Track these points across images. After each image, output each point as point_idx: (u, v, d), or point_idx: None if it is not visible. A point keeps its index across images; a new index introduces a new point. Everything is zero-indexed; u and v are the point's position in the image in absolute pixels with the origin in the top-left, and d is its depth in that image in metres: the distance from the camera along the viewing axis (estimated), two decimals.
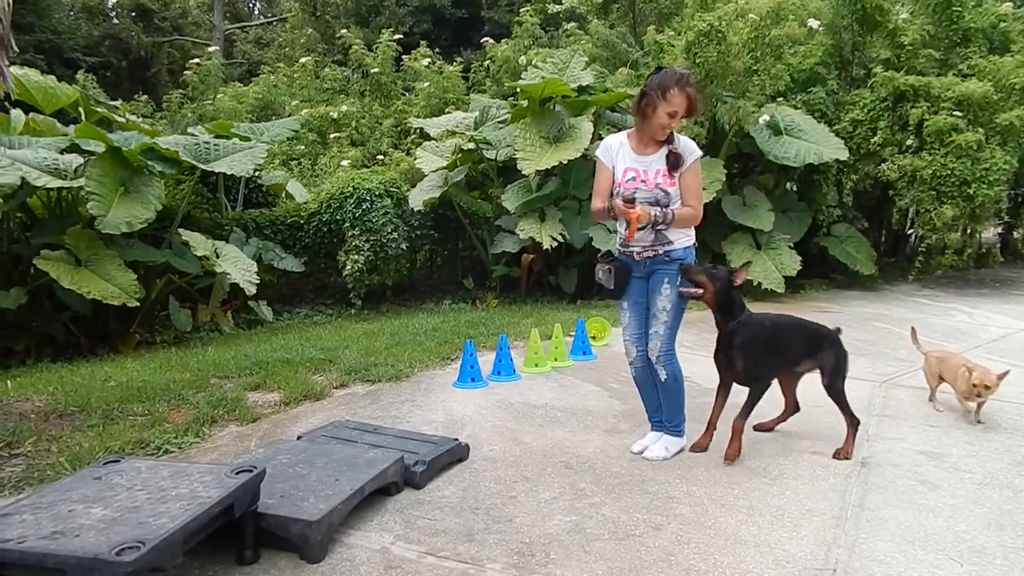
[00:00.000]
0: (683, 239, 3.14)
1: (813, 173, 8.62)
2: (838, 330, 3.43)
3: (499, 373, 4.53)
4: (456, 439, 3.23)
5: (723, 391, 3.30)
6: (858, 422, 3.35)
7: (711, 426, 3.30)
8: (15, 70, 7.13)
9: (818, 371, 3.33)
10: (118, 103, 9.43)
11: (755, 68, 8.30)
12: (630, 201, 3.00)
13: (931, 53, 8.79)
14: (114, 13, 24.73)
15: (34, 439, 3.24)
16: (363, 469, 2.66)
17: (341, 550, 2.37)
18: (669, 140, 3.09)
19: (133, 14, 24.22)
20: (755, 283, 7.63)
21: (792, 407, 3.58)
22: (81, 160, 6.39)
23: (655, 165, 3.09)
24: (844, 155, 8.14)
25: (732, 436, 3.17)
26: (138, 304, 6.01)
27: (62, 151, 6.39)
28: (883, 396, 4.32)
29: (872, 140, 8.42)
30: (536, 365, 4.75)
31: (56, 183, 5.98)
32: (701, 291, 3.09)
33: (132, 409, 3.74)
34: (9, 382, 4.41)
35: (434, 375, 4.65)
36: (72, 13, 23.26)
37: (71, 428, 3.46)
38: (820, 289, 8.71)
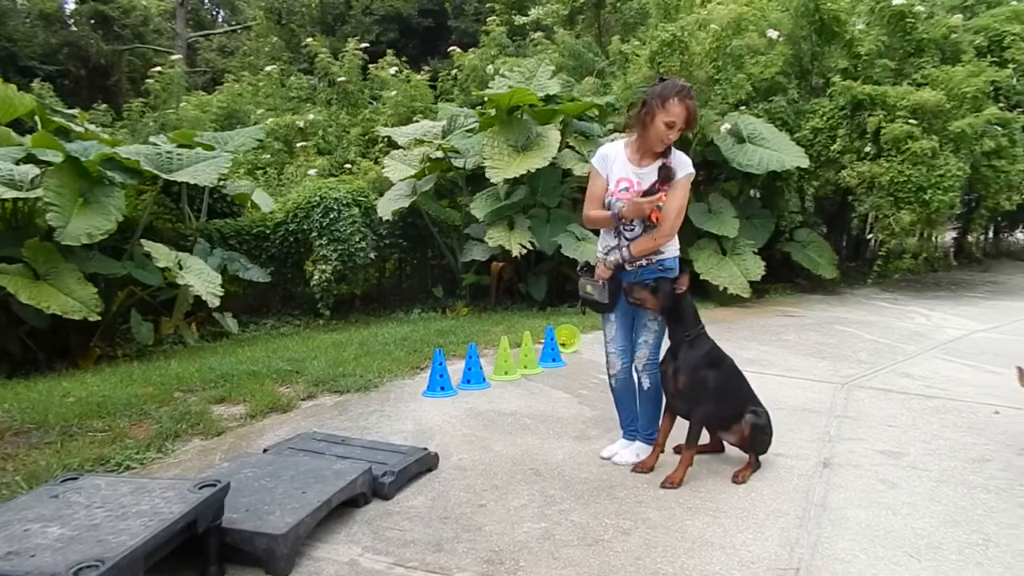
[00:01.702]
0: (672, 248, 3.15)
1: (776, 180, 8.82)
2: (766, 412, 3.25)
3: (469, 381, 4.52)
4: (425, 448, 3.22)
5: (671, 408, 3.21)
6: (759, 466, 3.21)
7: (658, 446, 3.20)
8: None
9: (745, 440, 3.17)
10: (76, 112, 9.23)
11: (717, 77, 8.48)
12: (649, 193, 2.98)
13: (886, 63, 9.05)
14: (72, 20, 24.16)
15: None
16: (330, 481, 2.64)
17: (308, 563, 2.35)
18: (666, 153, 3.06)
19: (92, 21, 23.69)
20: (721, 288, 7.76)
21: (717, 444, 3.39)
22: (38, 171, 6.24)
23: (649, 177, 3.06)
24: (805, 162, 8.34)
25: (680, 463, 3.07)
26: (99, 318, 5.87)
27: (17, 161, 6.23)
28: (844, 398, 4.42)
29: (832, 147, 8.63)
30: (506, 373, 4.76)
31: (11, 194, 5.82)
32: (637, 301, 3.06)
33: (92, 425, 3.65)
34: None
35: (403, 385, 4.62)
36: (28, 20, 22.69)
37: (27, 446, 3.37)
38: (784, 293, 8.88)
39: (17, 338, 6.15)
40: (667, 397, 3.19)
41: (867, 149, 8.45)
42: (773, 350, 5.61)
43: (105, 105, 14.31)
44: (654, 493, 2.95)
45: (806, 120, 8.97)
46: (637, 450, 3.29)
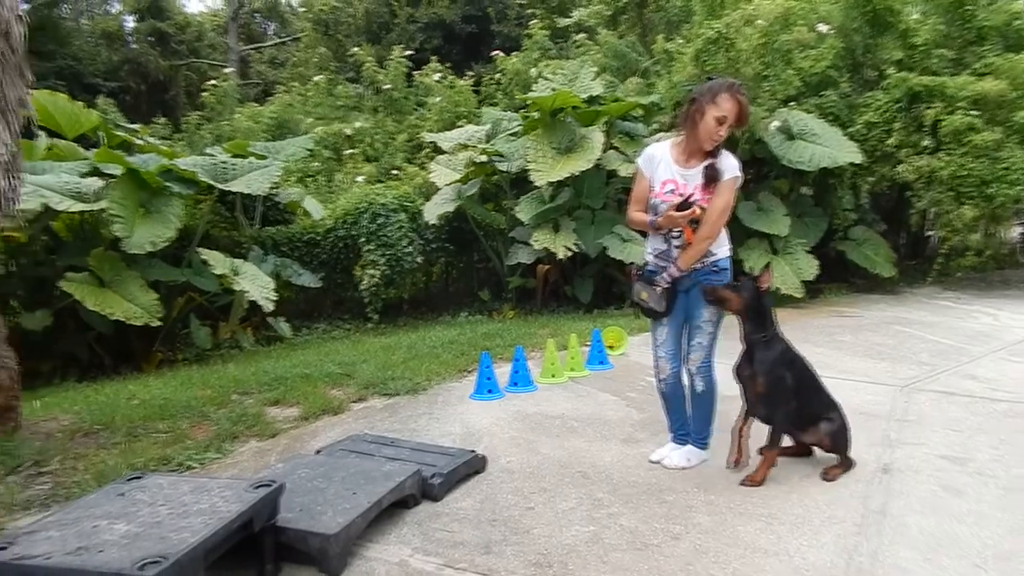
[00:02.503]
0: (724, 248, 3.10)
1: (828, 177, 8.57)
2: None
3: (516, 384, 4.54)
4: (473, 451, 3.24)
5: (751, 412, 3.16)
6: (853, 465, 3.16)
7: (742, 454, 3.15)
8: (44, 95, 7.33)
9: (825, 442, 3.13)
10: (137, 126, 9.63)
11: (765, 74, 8.29)
12: (685, 207, 2.93)
13: (944, 53, 8.71)
14: (132, 38, 25.21)
15: (60, 457, 3.30)
16: (380, 482, 2.68)
17: (360, 563, 2.39)
18: (714, 153, 2.99)
19: (151, 39, 24.68)
20: (773, 288, 7.58)
21: (801, 449, 3.30)
22: (102, 183, 6.53)
23: (695, 179, 2.99)
24: (859, 158, 8.08)
25: (761, 463, 3.04)
26: (160, 323, 6.11)
27: (83, 175, 6.53)
28: (905, 401, 4.27)
29: (887, 142, 8.35)
30: (552, 376, 4.76)
31: (78, 207, 6.11)
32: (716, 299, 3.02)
33: (155, 426, 3.80)
34: (37, 402, 4.49)
35: (451, 387, 4.66)
36: (92, 40, 23.78)
37: (96, 446, 3.52)
38: (840, 293, 8.63)
39: (86, 344, 6.45)
40: (746, 401, 3.13)
41: (925, 143, 8.14)
42: (828, 352, 5.45)
43: (164, 119, 14.91)
44: (704, 497, 2.90)
45: (859, 114, 8.70)
46: (687, 454, 3.24)
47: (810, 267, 7.79)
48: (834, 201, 8.68)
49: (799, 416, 3.10)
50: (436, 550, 2.48)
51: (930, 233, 10.69)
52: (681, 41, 9.80)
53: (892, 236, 10.18)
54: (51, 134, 7.62)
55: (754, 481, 3.00)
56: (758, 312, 3.03)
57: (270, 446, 3.56)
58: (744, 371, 3.09)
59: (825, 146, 8.12)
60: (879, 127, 8.49)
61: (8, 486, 2.93)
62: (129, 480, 2.35)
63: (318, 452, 3.25)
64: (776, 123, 8.09)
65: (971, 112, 7.81)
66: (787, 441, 3.19)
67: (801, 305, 7.60)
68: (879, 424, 3.81)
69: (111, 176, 6.54)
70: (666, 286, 3.05)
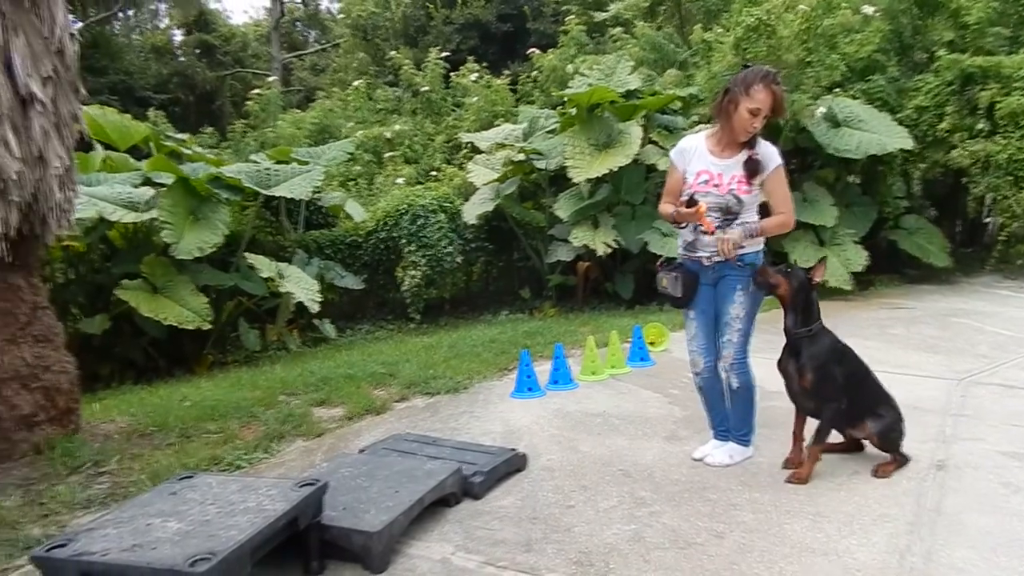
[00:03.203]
0: (755, 243, 3.02)
1: (877, 164, 8.32)
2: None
3: (556, 382, 4.53)
4: (513, 449, 3.25)
5: (799, 408, 3.09)
6: (908, 461, 3.06)
7: (797, 438, 3.08)
8: (95, 109, 7.63)
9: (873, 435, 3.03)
10: (185, 136, 9.93)
11: (808, 60, 8.08)
12: (691, 204, 2.91)
13: (1000, 31, 8.36)
14: (180, 51, 26.05)
15: (118, 458, 3.43)
16: (422, 481, 2.71)
17: (403, 560, 2.42)
18: (751, 144, 2.95)
19: (198, 51, 25.45)
20: (821, 281, 7.39)
21: (852, 444, 3.22)
22: (153, 192, 6.76)
23: (732, 170, 2.95)
24: (909, 144, 7.81)
25: (807, 459, 2.98)
26: (210, 327, 6.30)
27: (136, 185, 6.77)
28: (961, 395, 4.11)
29: (939, 127, 8.06)
30: (593, 373, 4.73)
31: (131, 216, 6.34)
32: (770, 282, 2.93)
33: (206, 427, 3.91)
34: (96, 405, 4.68)
35: (492, 386, 4.69)
36: (142, 54, 24.62)
37: (151, 446, 3.65)
38: (891, 284, 8.37)
39: (141, 348, 6.69)
40: (792, 396, 3.06)
41: (980, 126, 7.83)
42: (879, 345, 5.28)
43: (211, 128, 15.35)
44: (748, 495, 2.85)
45: (909, 99, 8.42)
46: (730, 451, 3.18)
47: (859, 258, 7.57)
48: (883, 189, 8.42)
49: (848, 411, 3.01)
50: (477, 548, 2.50)
51: (987, 220, 10.26)
52: (720, 30, 9.62)
53: (946, 224, 9.83)
54: (104, 147, 7.93)
55: (800, 478, 2.93)
56: (805, 303, 2.94)
57: (315, 445, 3.64)
58: (788, 365, 3.01)
59: (873, 132, 7.88)
60: (930, 111, 8.20)
61: (70, 485, 3.06)
62: (180, 480, 2.43)
63: (361, 451, 3.30)
64: (821, 110, 7.88)
65: None
66: (836, 437, 3.11)
67: (850, 298, 7.39)
68: (933, 419, 3.69)
69: (162, 185, 6.77)
70: (732, 254, 2.90)
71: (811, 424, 3.02)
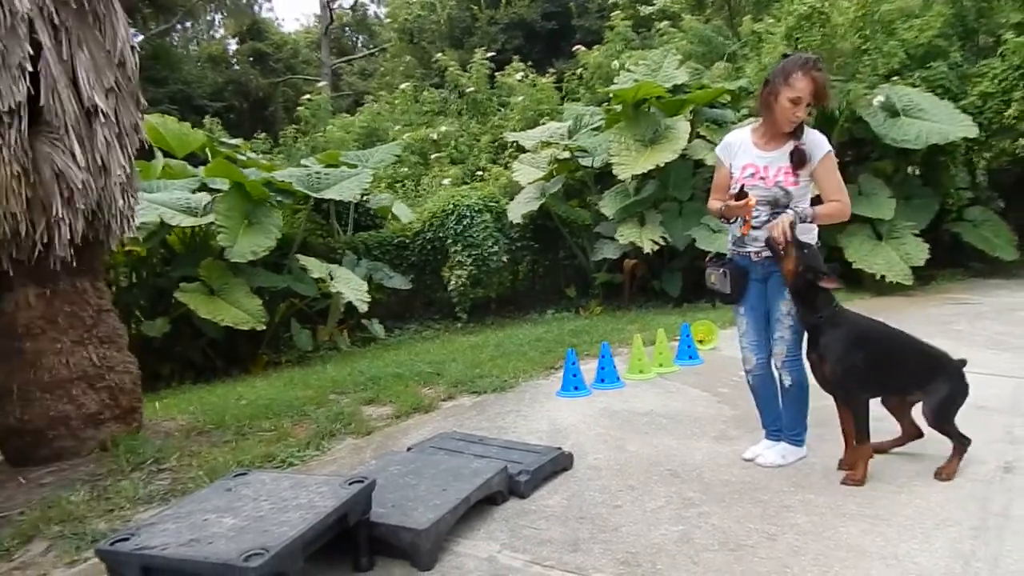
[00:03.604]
0: (806, 237, 2.92)
1: (938, 155, 7.99)
2: (962, 363, 2.97)
3: (603, 381, 4.50)
4: (560, 448, 3.24)
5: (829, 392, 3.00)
6: (968, 443, 2.90)
7: (847, 437, 2.95)
8: (155, 118, 7.94)
9: (926, 405, 2.88)
10: (239, 142, 10.24)
11: (864, 47, 7.83)
12: (741, 196, 2.86)
13: None
14: (235, 60, 26.89)
15: (178, 455, 3.56)
16: (468, 479, 2.73)
17: (450, 558, 2.44)
18: (797, 134, 2.88)
19: (251, 59, 26.23)
20: (878, 276, 7.15)
21: (910, 431, 3.10)
22: (210, 198, 6.99)
23: (777, 162, 2.89)
24: (973, 132, 7.47)
25: (857, 459, 2.87)
26: (264, 327, 6.49)
27: (193, 191, 7.02)
28: None
29: (1006, 113, 7.68)
30: (640, 371, 4.68)
31: (189, 221, 6.58)
32: (781, 251, 2.81)
33: (260, 425, 4.03)
34: (157, 403, 4.87)
35: (538, 385, 4.68)
36: (199, 64, 25.51)
37: (209, 444, 3.78)
38: (954, 279, 8.04)
39: (200, 348, 6.93)
40: (823, 387, 2.97)
41: None
42: (941, 342, 4.96)
43: (264, 134, 15.78)
44: (801, 497, 2.77)
45: (973, 85, 8.05)
46: (782, 451, 3.10)
47: (920, 252, 7.29)
48: (946, 180, 8.08)
49: (888, 389, 2.93)
50: (524, 547, 2.50)
51: None
52: (771, 20, 9.39)
53: (1014, 215, 9.35)
54: (165, 155, 8.24)
55: (855, 479, 2.83)
56: (806, 291, 2.83)
57: (365, 443, 3.70)
58: (811, 355, 2.92)
59: (934, 121, 7.57)
60: (996, 98, 7.83)
61: (133, 481, 3.19)
62: (235, 477, 2.51)
63: (409, 449, 3.35)
64: (878, 100, 7.61)
65: None
66: (891, 432, 3.00)
67: (911, 293, 7.13)
68: (1000, 420, 3.52)
69: (217, 191, 7.00)
70: (781, 240, 2.82)
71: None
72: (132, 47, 3.77)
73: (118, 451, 3.49)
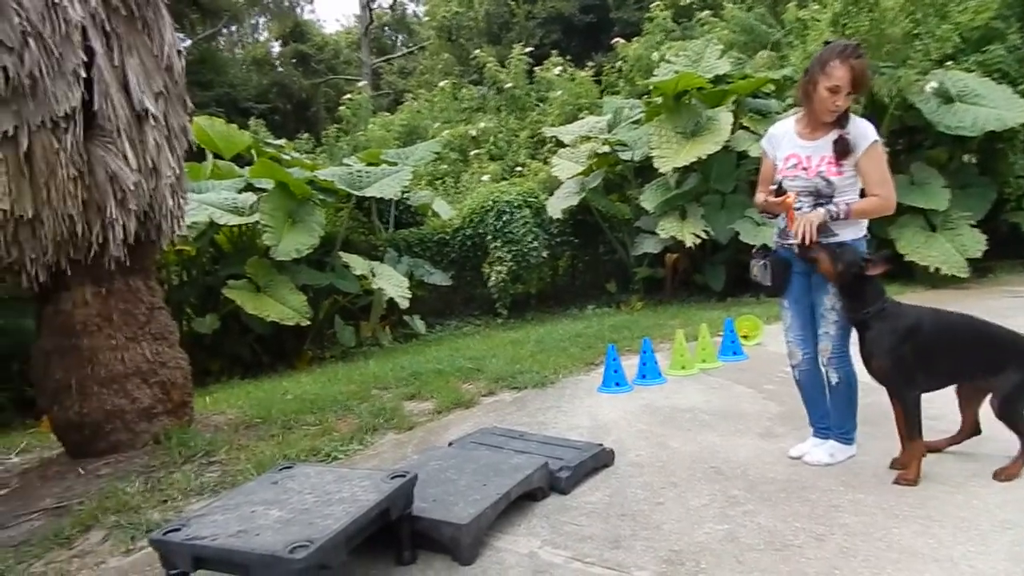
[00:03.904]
0: (851, 230, 2.84)
1: (996, 142, 7.65)
2: None
3: (644, 377, 4.46)
4: (601, 444, 3.22)
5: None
6: None
7: (902, 436, 2.85)
8: (203, 121, 8.15)
9: (994, 389, 2.75)
10: (283, 142, 10.44)
11: (916, 32, 7.55)
12: (780, 192, 2.81)
13: None
14: (278, 62, 27.43)
15: (227, 448, 3.66)
16: (509, 474, 2.73)
17: (491, 553, 2.45)
18: (842, 123, 2.80)
19: (294, 61, 26.73)
20: (932, 269, 6.90)
21: (970, 427, 2.98)
22: (255, 197, 7.15)
23: (820, 151, 2.82)
24: None
25: (909, 457, 2.79)
26: (309, 323, 6.62)
27: (240, 191, 7.19)
28: None
29: None
30: (682, 367, 4.62)
31: (236, 220, 6.74)
32: (811, 256, 2.76)
33: (306, 419, 4.11)
34: (207, 398, 5.01)
35: (579, 380, 4.67)
36: (244, 67, 26.10)
37: (256, 437, 3.87)
38: (1013, 271, 7.71)
39: (247, 344, 7.11)
40: (878, 381, 2.88)
41: None
42: None
43: (307, 134, 16.05)
44: (851, 496, 2.70)
45: None
46: (830, 449, 3.02)
47: (976, 243, 7.01)
48: (1004, 168, 7.73)
49: (947, 379, 2.82)
50: (565, 543, 2.49)
51: None
52: (816, 7, 9.12)
53: None
54: (214, 156, 8.46)
55: (907, 479, 2.74)
56: (854, 287, 2.75)
57: (407, 438, 3.74)
58: (862, 351, 2.83)
59: (991, 107, 7.26)
60: None
61: (184, 473, 3.29)
62: (281, 470, 2.56)
63: (450, 444, 3.37)
64: (932, 85, 7.34)
65: None
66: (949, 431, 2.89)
67: (966, 285, 6.87)
68: None
69: (263, 190, 7.16)
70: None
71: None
72: (179, 51, 3.87)
73: (170, 444, 3.61)
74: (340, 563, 2.05)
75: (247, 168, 8.06)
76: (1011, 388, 2.71)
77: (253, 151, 8.68)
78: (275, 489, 2.38)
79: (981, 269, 7.30)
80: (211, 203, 6.75)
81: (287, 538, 1.98)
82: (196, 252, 7.17)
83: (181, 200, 3.90)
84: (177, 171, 3.81)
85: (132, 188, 3.44)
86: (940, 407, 3.17)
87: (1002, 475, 2.75)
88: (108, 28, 3.46)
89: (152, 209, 3.62)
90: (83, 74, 3.30)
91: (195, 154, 8.55)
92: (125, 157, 3.45)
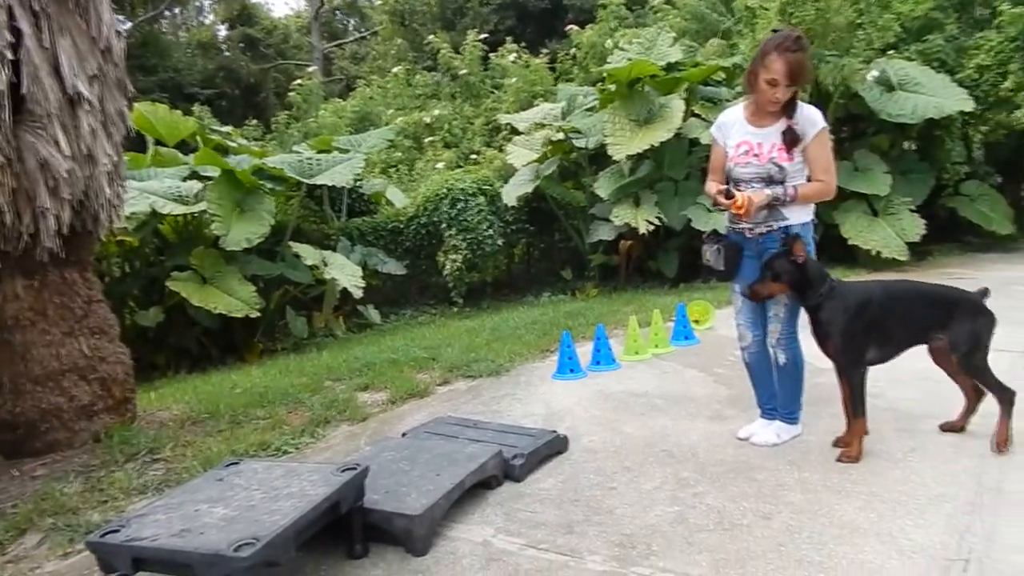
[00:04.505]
0: (800, 214, 2.92)
1: (934, 129, 7.94)
2: (984, 292, 2.93)
3: (598, 363, 4.49)
4: (555, 431, 3.23)
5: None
6: (1013, 395, 2.87)
7: (848, 415, 2.94)
8: (146, 107, 7.86)
9: (949, 345, 2.86)
10: (229, 129, 10.15)
11: (859, 22, 7.75)
12: (729, 196, 2.85)
13: None
14: (225, 46, 26.60)
15: (172, 445, 3.54)
16: (463, 464, 2.72)
17: (444, 543, 2.44)
18: (790, 111, 2.85)
19: (242, 45, 25.96)
20: (873, 252, 7.13)
21: (971, 392, 3.03)
22: (200, 186, 6.93)
23: (771, 138, 2.88)
24: (969, 106, 7.42)
25: (852, 435, 2.88)
26: (259, 315, 6.46)
27: (184, 179, 6.96)
28: None
29: (1003, 86, 7.63)
30: (636, 353, 4.67)
31: (180, 209, 6.52)
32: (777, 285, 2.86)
33: (255, 413, 4.01)
34: (152, 393, 4.85)
35: (534, 368, 4.67)
36: (189, 51, 25.24)
37: (203, 433, 3.76)
38: (951, 254, 8.02)
39: (194, 338, 6.91)
40: (831, 360, 2.97)
41: None
42: None
43: (256, 121, 15.63)
44: (797, 475, 2.77)
45: (969, 58, 7.99)
46: (777, 430, 3.10)
47: (915, 227, 7.27)
48: (942, 155, 8.04)
49: (902, 344, 2.91)
50: (518, 530, 2.49)
51: None
52: None
53: (1011, 189, 9.34)
54: (157, 143, 8.17)
55: (850, 456, 2.83)
56: (803, 281, 2.83)
57: (360, 430, 3.69)
58: (816, 332, 2.92)
59: (930, 95, 7.51)
60: (992, 70, 7.77)
61: (126, 472, 3.18)
62: (227, 466, 2.49)
63: (404, 435, 3.33)
64: (873, 74, 7.54)
65: None
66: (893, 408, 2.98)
67: (907, 268, 7.11)
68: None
69: (209, 178, 6.94)
70: (752, 209, 2.82)
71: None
72: (118, 33, 3.70)
73: (112, 442, 3.48)
74: (288, 560, 2.00)
75: (192, 155, 7.81)
76: (963, 339, 2.83)
77: (198, 138, 8.41)
78: (220, 486, 2.31)
79: (920, 252, 7.57)
80: (153, 192, 6.52)
81: (232, 536, 1.92)
82: (139, 243, 6.92)
83: (120, 189, 3.74)
84: (115, 158, 3.65)
85: (65, 176, 3.28)
86: (882, 388, 3.28)
87: (997, 443, 2.83)
88: (37, 7, 3.27)
89: (88, 198, 3.46)
90: (10, 56, 3.12)
91: (137, 141, 8.27)
92: (57, 143, 3.28)
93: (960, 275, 6.81)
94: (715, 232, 3.17)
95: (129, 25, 20.72)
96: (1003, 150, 9.24)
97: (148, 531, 2.00)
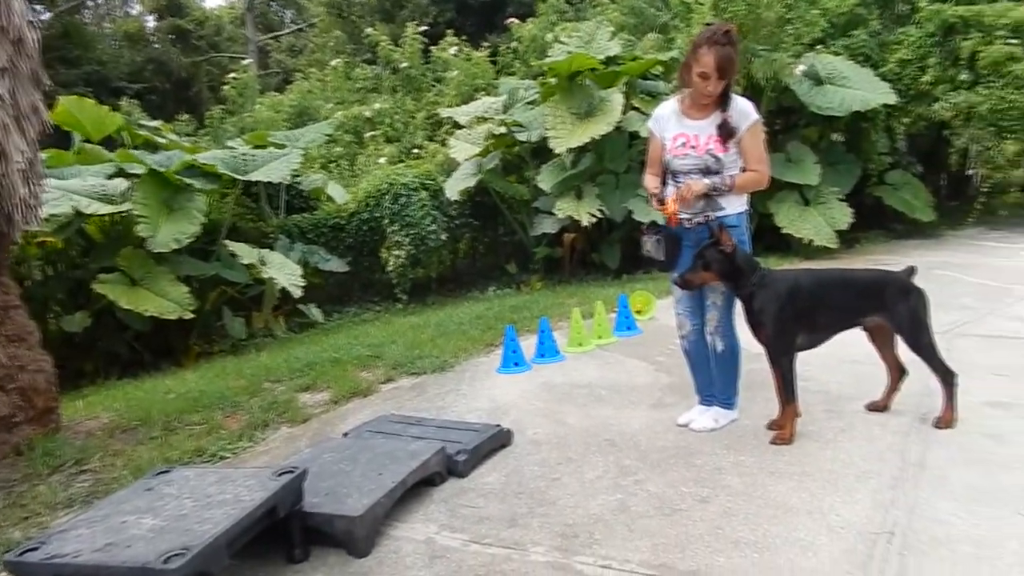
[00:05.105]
0: (736, 205, 3.00)
1: (860, 121, 8.26)
2: (910, 271, 3.04)
3: (542, 356, 4.51)
4: (499, 425, 3.23)
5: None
6: (954, 377, 3.00)
7: (780, 400, 3.03)
8: (70, 101, 7.47)
9: (893, 327, 2.98)
10: (158, 124, 9.76)
11: (788, 17, 7.97)
12: (660, 202, 2.94)
13: None
14: (154, 38, 25.54)
15: (100, 455, 3.39)
16: (405, 462, 2.69)
17: (387, 543, 2.41)
18: (724, 104, 2.91)
19: (172, 36, 24.96)
20: (805, 240, 7.38)
21: (896, 369, 3.17)
22: (127, 184, 6.64)
23: (707, 130, 2.94)
24: (892, 99, 7.76)
25: (784, 417, 2.97)
26: (193, 316, 6.24)
27: (109, 177, 6.66)
28: (946, 347, 4.03)
29: (922, 79, 8.00)
30: (580, 344, 4.71)
31: (105, 209, 6.24)
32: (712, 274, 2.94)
33: (190, 419, 3.87)
34: (80, 402, 4.63)
35: (479, 363, 4.66)
36: (115, 43, 24.15)
37: (135, 442, 3.61)
38: (877, 241, 8.37)
39: (125, 342, 6.63)
40: (763, 347, 3.04)
41: (962, 77, 7.77)
42: None
43: (188, 115, 15.08)
44: (734, 459, 2.84)
45: (891, 52, 8.35)
46: (714, 415, 3.18)
47: (844, 216, 7.56)
48: (867, 146, 8.37)
49: (835, 327, 3.00)
50: (462, 526, 2.48)
51: (971, 172, 10.23)
52: None
53: (931, 178, 9.82)
54: (83, 140, 7.78)
55: (783, 439, 2.93)
56: (733, 271, 2.92)
57: (301, 431, 3.61)
58: (749, 319, 3.00)
59: (856, 89, 7.81)
60: (913, 64, 8.13)
61: (51, 485, 3.03)
62: (157, 475, 2.40)
63: (345, 435, 3.28)
64: (801, 68, 7.79)
65: (1011, 40, 7.40)
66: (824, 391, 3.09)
67: (836, 255, 7.39)
68: (917, 373, 3.65)
69: (135, 176, 6.66)
70: (690, 199, 2.89)
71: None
72: (31, 23, 3.49)
73: (34, 455, 3.30)
74: (222, 569, 1.94)
75: (117, 152, 7.48)
76: (904, 319, 2.95)
77: (125, 133, 8.06)
78: (149, 496, 2.23)
79: (849, 240, 7.87)
80: (76, 191, 6.21)
81: (161, 547, 1.85)
82: (63, 244, 6.59)
83: (36, 188, 3.54)
84: (30, 155, 3.45)
85: None
86: (812, 372, 3.40)
87: (941, 422, 2.97)
88: None
89: (0, 198, 3.27)
90: None
91: (61, 138, 7.86)
92: None
93: (886, 261, 7.10)
94: (654, 223, 3.22)
95: (48, 15, 19.68)
96: (924, 141, 9.71)
97: (70, 547, 1.91)
